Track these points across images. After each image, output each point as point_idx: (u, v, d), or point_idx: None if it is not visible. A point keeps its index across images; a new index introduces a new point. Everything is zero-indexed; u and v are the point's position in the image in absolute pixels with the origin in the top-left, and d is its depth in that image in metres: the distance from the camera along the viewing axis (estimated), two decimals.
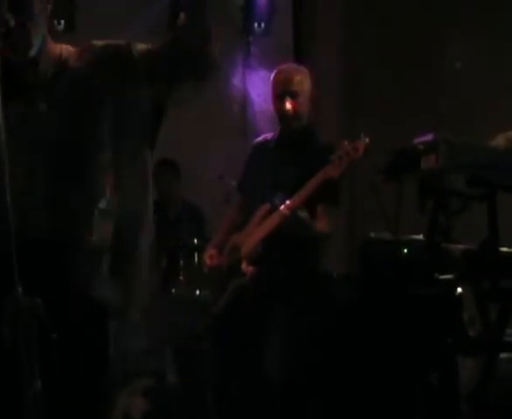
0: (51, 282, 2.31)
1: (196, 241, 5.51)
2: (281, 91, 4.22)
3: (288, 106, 4.19)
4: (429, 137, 3.38)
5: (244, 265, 4.16)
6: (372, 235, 5.10)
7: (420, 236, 4.77)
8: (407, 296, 4.60)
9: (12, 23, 2.27)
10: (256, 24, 6.29)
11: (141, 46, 2.44)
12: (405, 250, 4.81)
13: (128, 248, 2.47)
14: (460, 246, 4.05)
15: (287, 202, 4.04)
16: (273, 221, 4.08)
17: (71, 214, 2.36)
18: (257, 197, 4.24)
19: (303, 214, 4.05)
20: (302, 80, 4.27)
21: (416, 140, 3.49)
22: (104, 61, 2.42)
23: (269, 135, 4.47)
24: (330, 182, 4.04)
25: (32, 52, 2.37)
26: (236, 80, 6.47)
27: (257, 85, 6.34)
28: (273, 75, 4.35)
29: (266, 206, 4.14)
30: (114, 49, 2.45)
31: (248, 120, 6.40)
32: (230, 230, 4.40)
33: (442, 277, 4.11)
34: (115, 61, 2.43)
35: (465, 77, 6.20)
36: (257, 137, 4.70)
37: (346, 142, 4.06)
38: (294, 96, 4.21)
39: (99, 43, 2.46)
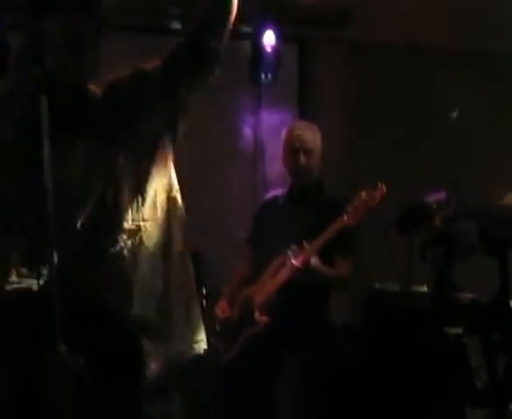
0: (95, 338, 2.39)
1: (204, 290, 5.54)
2: (295, 147, 4.32)
3: (302, 161, 4.30)
4: (442, 195, 3.49)
5: (257, 315, 4.23)
6: (377, 285, 5.20)
7: (424, 288, 4.88)
8: (414, 346, 4.69)
9: (68, 60, 2.36)
10: (263, 75, 6.40)
11: (151, 64, 2.57)
12: (412, 301, 4.91)
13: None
14: (468, 296, 4.15)
15: (301, 253, 4.12)
16: (287, 272, 4.15)
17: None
18: (269, 250, 4.32)
19: (317, 263, 4.12)
20: (315, 138, 4.38)
21: (429, 197, 3.60)
22: (126, 86, 2.54)
23: (278, 192, 4.55)
24: (345, 230, 4.14)
25: (81, 88, 2.46)
26: (247, 129, 6.57)
27: (267, 135, 6.45)
28: (285, 132, 4.45)
29: (280, 259, 4.21)
30: (133, 72, 2.56)
31: (259, 170, 6.49)
32: (240, 282, 4.48)
33: (450, 327, 4.21)
34: (135, 82, 2.54)
35: (466, 130, 6.36)
36: (266, 189, 4.78)
37: (363, 191, 4.18)
38: (307, 152, 4.32)
39: (122, 74, 2.56)
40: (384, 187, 4.19)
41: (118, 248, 2.45)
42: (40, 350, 2.25)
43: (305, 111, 6.65)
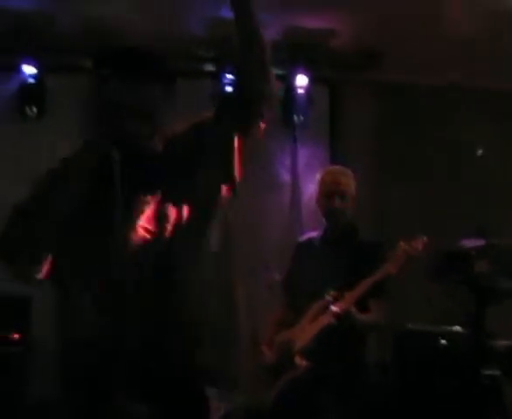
0: (159, 386, 2.44)
1: None
2: (330, 190, 4.40)
3: (337, 204, 4.39)
4: (481, 242, 3.57)
5: (297, 359, 4.28)
6: (410, 325, 5.26)
7: (457, 328, 4.93)
8: (447, 387, 4.73)
9: (137, 128, 2.42)
10: (295, 117, 6.51)
11: (207, 115, 2.64)
12: (444, 341, 4.96)
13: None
14: (504, 342, 4.22)
15: (341, 299, 4.20)
16: (327, 319, 4.22)
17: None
18: (306, 294, 4.37)
19: (355, 310, 4.19)
20: (349, 181, 4.46)
21: (467, 243, 3.67)
22: (183, 139, 2.60)
23: (313, 234, 4.62)
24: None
25: (149, 150, 2.51)
26: (284, 171, 6.67)
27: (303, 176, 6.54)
28: (320, 175, 4.53)
29: (319, 304, 4.28)
30: (189, 125, 2.63)
31: (295, 210, 6.56)
32: (277, 326, 4.52)
33: (485, 370, 4.26)
34: (191, 134, 2.61)
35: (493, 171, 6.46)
36: (302, 229, 4.84)
37: (403, 242, 4.29)
38: (341, 196, 4.40)
39: (175, 129, 2.61)
40: (425, 238, 4.29)
41: (184, 297, 2.51)
42: (105, 401, 2.34)
43: (336, 151, 6.74)
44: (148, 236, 2.47)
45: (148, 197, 2.51)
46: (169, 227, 2.50)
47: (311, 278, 4.40)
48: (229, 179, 2.67)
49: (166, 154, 2.53)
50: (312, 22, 6.08)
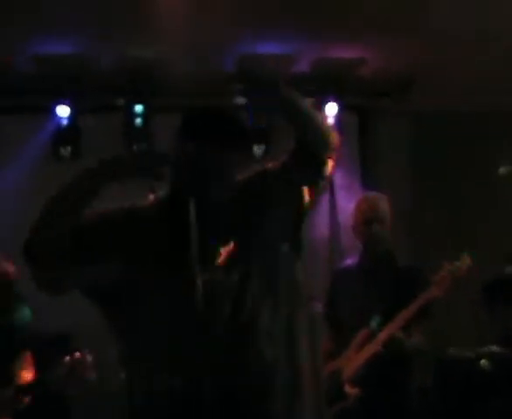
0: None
1: None
2: (368, 217, 4.43)
3: (375, 230, 4.42)
4: None
5: (347, 388, 4.30)
6: (451, 350, 5.25)
7: (499, 349, 4.92)
8: (488, 411, 4.72)
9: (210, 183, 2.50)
10: None
11: (273, 164, 2.69)
12: (485, 362, 4.94)
13: None
14: None
15: (387, 326, 4.23)
16: (374, 346, 4.25)
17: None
18: (350, 324, 4.40)
19: (402, 335, 4.22)
20: (386, 208, 4.50)
21: None
22: (250, 186, 2.64)
23: (349, 261, 4.65)
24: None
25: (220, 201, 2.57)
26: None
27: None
28: (358, 202, 4.57)
29: (364, 332, 4.31)
30: (256, 173, 2.68)
31: (334, 242, 6.59)
32: (325, 359, 4.50)
33: None
34: (259, 181, 2.66)
35: None
36: (342, 255, 4.84)
37: (447, 263, 4.31)
38: (379, 222, 4.44)
39: (243, 175, 2.64)
40: (468, 257, 4.32)
41: (256, 355, 2.55)
42: None
43: (367, 178, 6.79)
44: (219, 284, 2.53)
45: (219, 246, 2.56)
46: (240, 276, 2.56)
47: (353, 307, 4.43)
48: (296, 230, 2.75)
49: (233, 201, 2.59)
50: (341, 52, 6.15)
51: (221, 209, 2.56)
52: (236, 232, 2.60)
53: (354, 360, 4.33)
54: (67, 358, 4.43)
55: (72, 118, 6.48)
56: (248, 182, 2.64)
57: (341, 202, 5.98)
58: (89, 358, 4.42)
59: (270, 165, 2.69)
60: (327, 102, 6.53)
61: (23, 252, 2.44)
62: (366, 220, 4.46)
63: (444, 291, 4.27)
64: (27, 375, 4.42)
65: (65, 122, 6.49)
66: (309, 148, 2.60)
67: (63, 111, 6.46)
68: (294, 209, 2.75)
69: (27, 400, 4.42)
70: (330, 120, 6.49)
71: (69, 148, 6.56)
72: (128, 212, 2.60)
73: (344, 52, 6.17)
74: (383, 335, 4.22)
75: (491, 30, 5.67)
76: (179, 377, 2.44)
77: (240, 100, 6.54)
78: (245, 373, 2.52)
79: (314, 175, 2.68)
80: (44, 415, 4.78)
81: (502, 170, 6.15)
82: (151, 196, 2.71)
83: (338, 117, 6.55)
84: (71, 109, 6.45)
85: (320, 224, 6.65)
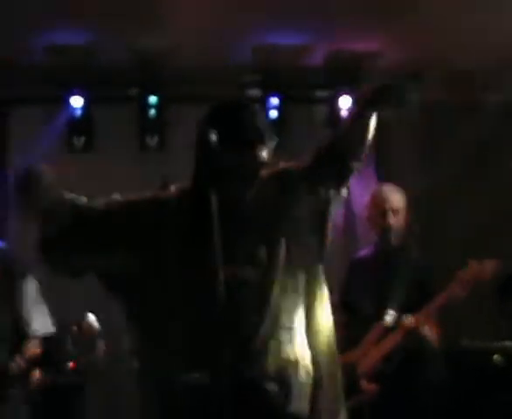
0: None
1: None
2: (384, 208, 4.42)
3: (392, 221, 4.41)
4: None
5: (363, 383, 4.26)
6: (465, 342, 5.23)
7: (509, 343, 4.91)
8: (501, 403, 4.71)
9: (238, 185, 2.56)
10: None
11: (299, 163, 2.72)
12: (498, 357, 4.94)
13: None
14: None
15: (410, 320, 4.22)
16: (394, 338, 4.24)
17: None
18: (365, 315, 4.38)
19: (424, 329, 4.21)
20: (401, 199, 4.50)
21: None
22: (271, 186, 2.67)
23: (364, 252, 4.65)
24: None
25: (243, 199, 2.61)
26: None
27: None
28: (373, 194, 4.57)
29: (381, 324, 4.29)
30: (279, 172, 2.70)
31: (349, 233, 6.57)
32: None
33: None
34: (279, 183, 2.68)
35: None
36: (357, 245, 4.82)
37: (474, 263, 4.25)
38: (395, 213, 4.43)
39: (266, 172, 2.66)
40: (494, 261, 4.25)
41: (277, 344, 2.57)
42: None
43: (382, 171, 6.76)
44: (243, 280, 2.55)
45: (244, 243, 2.59)
46: (263, 270, 2.58)
47: (369, 299, 4.41)
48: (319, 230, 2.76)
49: (256, 199, 2.62)
50: (355, 44, 6.13)
51: (245, 206, 2.58)
52: (260, 231, 2.61)
53: (369, 355, 4.30)
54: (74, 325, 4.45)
55: (85, 109, 6.48)
56: (272, 179, 2.65)
57: (355, 192, 5.95)
58: (96, 325, 4.41)
59: (293, 165, 2.71)
60: (341, 95, 6.51)
61: (37, 249, 2.48)
62: (381, 211, 4.45)
63: (467, 292, 4.22)
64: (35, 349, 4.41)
65: (78, 113, 6.50)
66: (344, 157, 2.65)
67: (76, 102, 6.46)
68: (317, 210, 2.75)
69: (38, 374, 4.41)
70: (344, 113, 6.50)
71: (82, 139, 6.55)
72: (150, 202, 2.62)
73: (359, 44, 6.14)
74: (409, 324, 4.21)
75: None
76: (199, 372, 2.46)
77: (254, 92, 6.55)
78: (266, 368, 2.53)
79: (341, 182, 2.73)
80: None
81: None
82: (173, 187, 2.71)
83: (352, 109, 6.53)
84: (84, 100, 6.45)
85: (335, 215, 6.61)
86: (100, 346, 4.47)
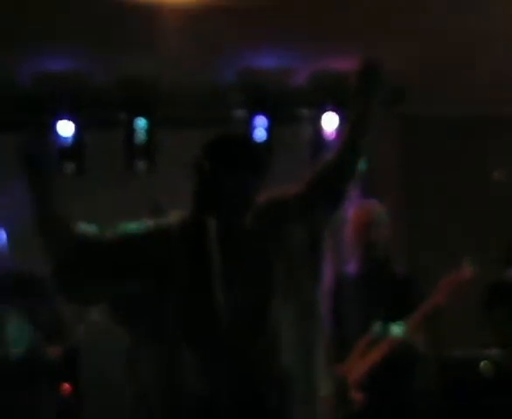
0: None
1: None
2: (365, 224, 4.51)
3: (374, 237, 4.50)
4: None
5: (352, 394, 4.33)
6: (454, 352, 5.30)
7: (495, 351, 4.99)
8: (490, 412, 4.78)
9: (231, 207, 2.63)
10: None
11: (292, 189, 2.77)
12: (485, 365, 5.01)
13: None
14: None
15: (396, 330, 4.31)
16: (382, 348, 4.32)
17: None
18: (351, 329, 4.46)
19: (410, 339, 4.30)
20: (383, 214, 4.59)
21: None
22: (266, 213, 2.72)
23: (348, 268, 4.69)
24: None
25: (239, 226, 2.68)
26: None
27: None
28: (355, 210, 4.59)
29: (367, 337, 4.37)
30: (272, 200, 2.76)
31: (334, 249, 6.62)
32: None
33: None
34: (274, 210, 2.74)
35: None
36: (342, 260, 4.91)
37: (453, 271, 4.38)
38: (377, 228, 4.52)
39: (260, 199, 2.72)
40: (472, 267, 4.37)
41: (277, 366, 2.65)
42: None
43: (364, 187, 6.82)
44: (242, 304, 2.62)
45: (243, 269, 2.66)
46: (262, 292, 2.66)
47: (354, 313, 4.48)
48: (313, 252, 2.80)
49: (251, 227, 2.70)
50: (338, 64, 6.22)
51: (241, 233, 2.66)
52: (258, 255, 2.68)
53: (358, 366, 4.37)
54: None
55: (75, 135, 6.53)
56: (267, 206, 2.72)
57: None
58: None
59: (287, 191, 2.77)
60: (324, 112, 6.63)
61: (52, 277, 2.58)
62: (363, 227, 4.53)
63: (448, 299, 4.33)
64: None
65: (68, 139, 6.54)
66: (339, 181, 2.71)
67: (65, 128, 6.51)
68: (313, 234, 2.79)
69: None
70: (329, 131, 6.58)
71: (73, 164, 6.62)
72: (152, 231, 2.69)
73: (341, 63, 6.23)
74: (396, 337, 4.30)
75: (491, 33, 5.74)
76: (199, 386, 2.54)
77: (240, 113, 6.65)
78: (265, 382, 2.61)
79: (336, 206, 2.77)
80: None
81: (497, 175, 6.23)
82: (174, 214, 2.78)
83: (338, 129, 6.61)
84: (74, 125, 6.51)
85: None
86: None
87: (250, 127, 6.55)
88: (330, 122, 6.60)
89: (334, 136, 6.56)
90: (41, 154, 2.57)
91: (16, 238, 4.78)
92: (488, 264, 4.69)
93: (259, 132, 6.56)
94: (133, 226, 2.70)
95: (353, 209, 4.65)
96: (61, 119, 6.51)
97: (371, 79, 2.74)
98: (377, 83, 2.75)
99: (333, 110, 6.58)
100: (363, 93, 2.74)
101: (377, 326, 4.33)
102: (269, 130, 6.60)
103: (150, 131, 6.60)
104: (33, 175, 2.58)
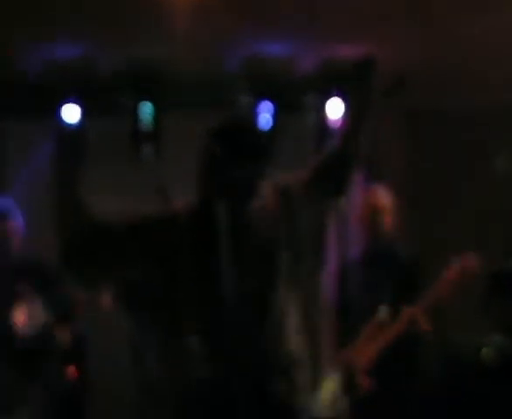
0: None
1: None
2: (374, 209, 4.60)
3: (381, 222, 4.57)
4: None
5: (360, 379, 4.39)
6: (455, 338, 5.34)
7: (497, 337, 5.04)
8: (491, 396, 4.83)
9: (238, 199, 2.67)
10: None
11: (296, 176, 2.85)
12: (486, 351, 5.05)
13: None
14: None
15: (410, 311, 4.36)
16: (392, 332, 4.39)
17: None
18: (357, 314, 4.51)
19: (418, 323, 4.35)
20: (390, 201, 4.67)
21: None
22: (271, 200, 2.80)
23: (355, 253, 4.81)
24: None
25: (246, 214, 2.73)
26: None
27: None
28: (365, 195, 4.73)
29: (374, 321, 4.42)
30: (277, 187, 2.83)
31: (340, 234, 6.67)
32: (334, 347, 4.59)
33: None
34: (278, 196, 2.81)
35: None
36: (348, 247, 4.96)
37: (459, 259, 4.45)
38: (387, 213, 4.60)
39: (266, 185, 2.78)
40: (475, 256, 4.43)
41: (284, 352, 2.72)
42: None
43: (370, 174, 6.84)
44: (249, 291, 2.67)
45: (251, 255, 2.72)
46: (268, 279, 2.71)
47: (360, 297, 4.55)
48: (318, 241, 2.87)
49: (255, 222, 2.75)
50: (344, 51, 6.23)
51: (249, 220, 2.72)
52: (264, 242, 2.73)
53: (366, 351, 4.42)
54: None
55: (82, 119, 6.55)
56: (273, 193, 2.79)
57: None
58: None
59: (293, 177, 2.85)
60: (330, 101, 6.64)
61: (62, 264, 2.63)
62: (370, 213, 4.60)
63: (453, 289, 4.39)
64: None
65: (73, 125, 6.56)
66: (343, 167, 2.78)
67: (73, 113, 6.54)
68: (317, 219, 2.86)
69: None
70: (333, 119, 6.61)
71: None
72: (158, 218, 2.75)
73: (347, 51, 6.25)
74: (410, 316, 4.36)
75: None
76: (206, 373, 2.60)
77: (245, 99, 6.66)
78: (272, 367, 2.68)
79: (340, 191, 2.86)
80: None
81: (500, 162, 6.25)
82: (179, 201, 2.83)
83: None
84: (80, 111, 6.53)
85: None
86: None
87: (255, 114, 6.57)
88: (336, 109, 6.61)
89: (339, 123, 6.57)
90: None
91: (31, 223, 4.84)
92: (490, 252, 4.73)
93: (265, 118, 6.58)
94: (139, 213, 2.74)
95: (359, 194, 4.72)
96: (67, 104, 6.53)
97: (366, 68, 2.81)
98: (371, 71, 2.81)
99: (338, 97, 6.60)
100: (360, 81, 2.80)
101: (383, 310, 4.37)
102: (275, 117, 6.62)
103: (157, 116, 6.60)
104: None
